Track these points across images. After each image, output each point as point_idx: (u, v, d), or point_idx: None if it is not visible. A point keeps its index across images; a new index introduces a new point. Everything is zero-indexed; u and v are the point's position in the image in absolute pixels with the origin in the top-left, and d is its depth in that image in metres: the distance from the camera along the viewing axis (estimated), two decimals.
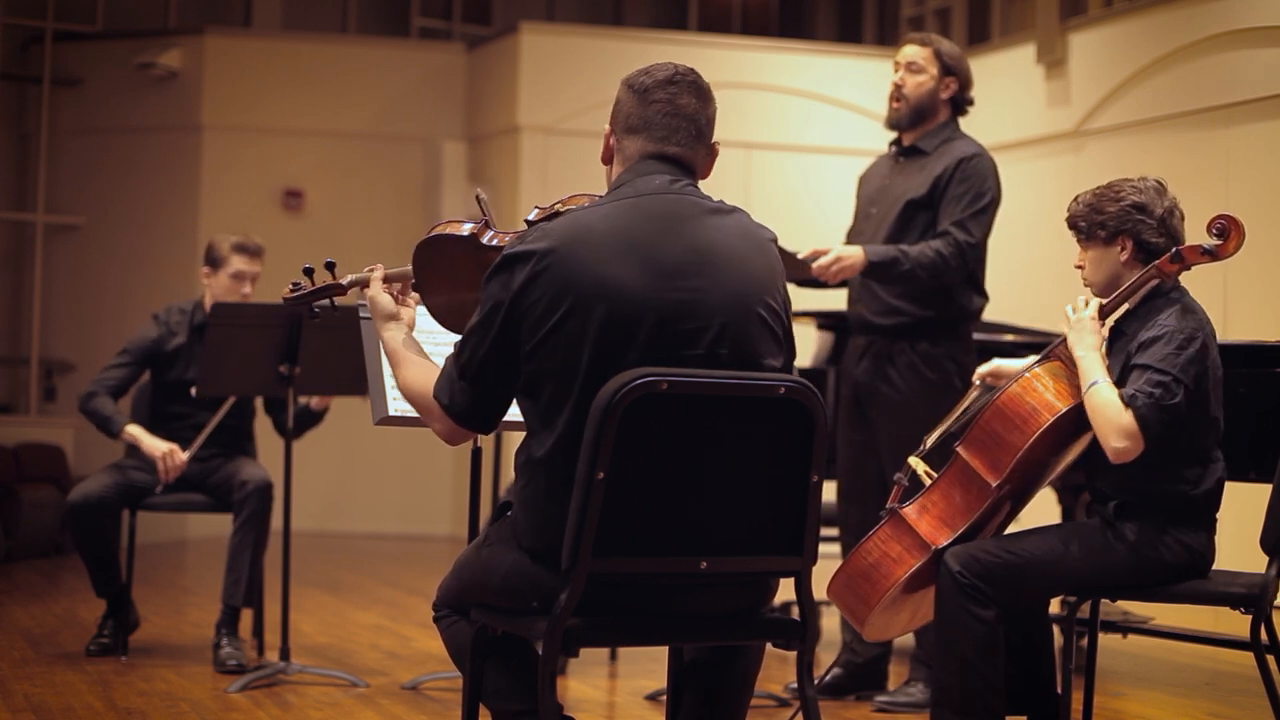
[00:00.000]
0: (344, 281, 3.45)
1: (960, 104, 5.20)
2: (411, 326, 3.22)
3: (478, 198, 3.36)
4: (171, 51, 11.02)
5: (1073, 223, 3.86)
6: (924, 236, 5.04)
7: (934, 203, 5.04)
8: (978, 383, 4.06)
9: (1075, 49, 9.62)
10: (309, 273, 3.50)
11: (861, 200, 5.32)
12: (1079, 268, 3.87)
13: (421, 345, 3.19)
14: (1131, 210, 3.76)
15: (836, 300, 5.62)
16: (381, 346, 3.25)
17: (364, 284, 3.32)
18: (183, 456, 5.59)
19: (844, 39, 12.22)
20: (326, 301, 3.52)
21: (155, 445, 5.60)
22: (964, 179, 5.03)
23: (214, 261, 5.79)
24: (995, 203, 5.09)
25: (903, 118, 5.16)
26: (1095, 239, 3.80)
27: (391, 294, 3.26)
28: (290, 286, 3.51)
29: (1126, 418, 3.56)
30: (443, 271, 3.18)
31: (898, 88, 5.15)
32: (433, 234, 3.20)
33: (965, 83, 5.18)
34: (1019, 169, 10.13)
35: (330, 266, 3.47)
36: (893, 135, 5.27)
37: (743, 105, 10.28)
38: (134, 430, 5.65)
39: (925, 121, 5.16)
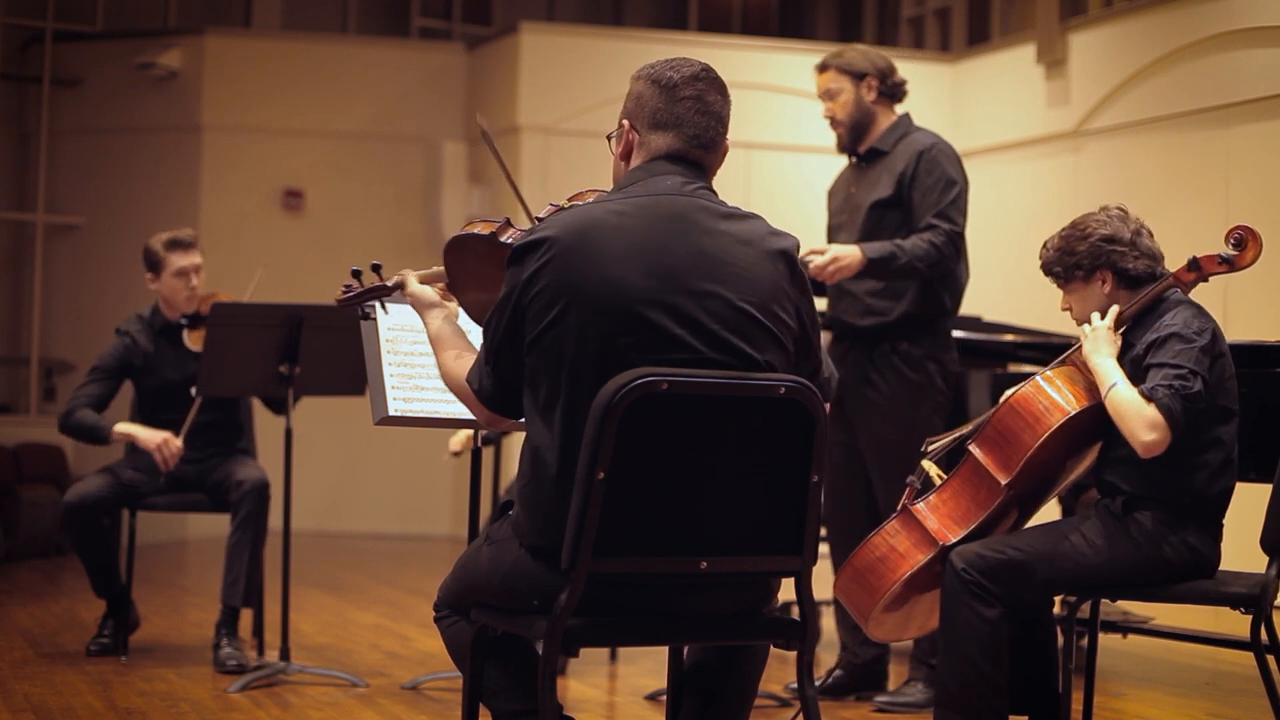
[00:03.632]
0: (389, 283, 3.49)
1: (893, 94, 5.20)
2: (455, 316, 3.28)
3: (482, 131, 3.42)
4: (171, 51, 11.02)
5: (1048, 269, 3.89)
6: (896, 234, 5.05)
7: (902, 200, 5.06)
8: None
9: (1075, 49, 9.62)
10: (357, 275, 3.54)
11: (831, 212, 5.35)
12: (1066, 310, 3.90)
13: (465, 333, 3.22)
14: (1102, 243, 3.79)
15: None
16: (426, 334, 3.30)
17: (405, 283, 3.36)
18: (178, 443, 5.57)
19: (844, 39, 12.21)
20: (376, 303, 3.56)
21: (150, 436, 5.58)
22: (929, 171, 5.05)
23: (154, 266, 5.78)
24: (966, 188, 5.10)
25: (847, 139, 5.22)
26: (1074, 279, 3.85)
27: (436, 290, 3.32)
28: (343, 289, 3.56)
29: (1150, 410, 3.57)
30: (470, 270, 3.23)
31: (830, 118, 5.21)
32: (459, 234, 3.24)
33: (883, 74, 5.19)
34: (1019, 169, 10.14)
35: (376, 269, 3.50)
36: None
37: (743, 105, 10.18)
38: (124, 427, 5.63)
39: (869, 130, 5.19)
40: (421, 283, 3.37)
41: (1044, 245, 3.90)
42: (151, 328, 5.82)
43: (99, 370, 5.78)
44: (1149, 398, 3.59)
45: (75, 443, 10.15)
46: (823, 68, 5.23)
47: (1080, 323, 3.86)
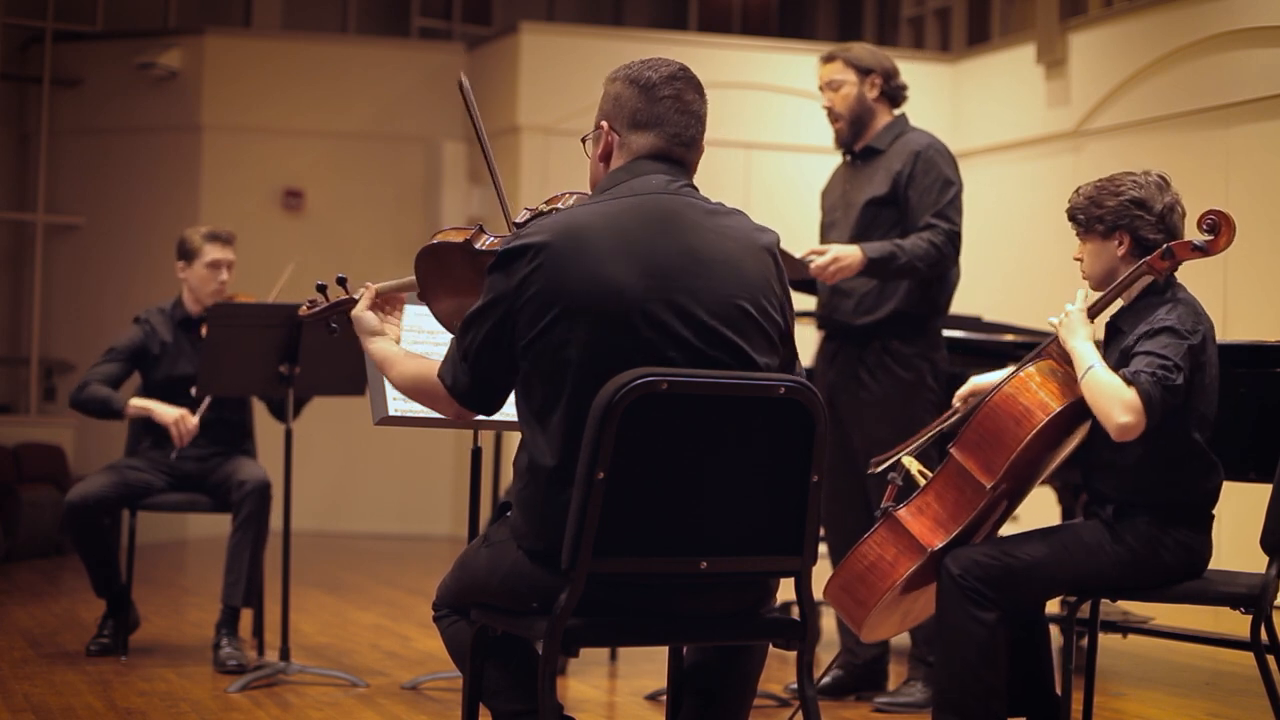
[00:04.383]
0: (356, 295, 3.49)
1: (894, 95, 5.22)
2: (397, 342, 3.28)
3: (460, 85, 3.43)
4: (171, 51, 11.02)
5: (1072, 215, 3.85)
6: (890, 233, 5.05)
7: (897, 199, 5.06)
8: (958, 404, 4.02)
9: (1075, 49, 9.63)
10: (323, 289, 3.54)
11: (824, 210, 5.36)
12: (1077, 260, 3.87)
13: (414, 352, 3.24)
14: (1130, 205, 3.75)
15: None
16: (369, 358, 3.30)
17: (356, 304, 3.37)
18: (194, 420, 5.59)
19: (844, 39, 12.20)
20: (344, 315, 3.58)
21: (166, 411, 5.60)
22: (927, 171, 5.06)
23: (187, 254, 5.80)
24: (961, 188, 5.11)
25: (846, 134, 5.22)
26: (1094, 232, 3.80)
27: (378, 312, 3.32)
28: (307, 304, 3.57)
29: (1129, 393, 3.55)
30: (443, 277, 3.22)
31: (829, 109, 5.21)
32: (432, 243, 3.24)
33: (888, 74, 5.20)
34: (1019, 169, 10.14)
35: (341, 282, 3.51)
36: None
37: (743, 105, 10.27)
38: (140, 401, 5.65)
39: (868, 126, 5.20)
40: (389, 293, 3.36)
41: (1076, 190, 3.86)
42: (171, 319, 5.84)
43: (115, 351, 5.80)
44: (1130, 381, 3.57)
45: (75, 442, 10.25)
46: (829, 58, 5.24)
47: (1086, 276, 3.85)
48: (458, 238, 3.19)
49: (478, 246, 3.15)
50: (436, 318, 3.31)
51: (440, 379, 2.99)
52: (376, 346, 3.25)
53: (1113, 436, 3.58)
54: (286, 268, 6.02)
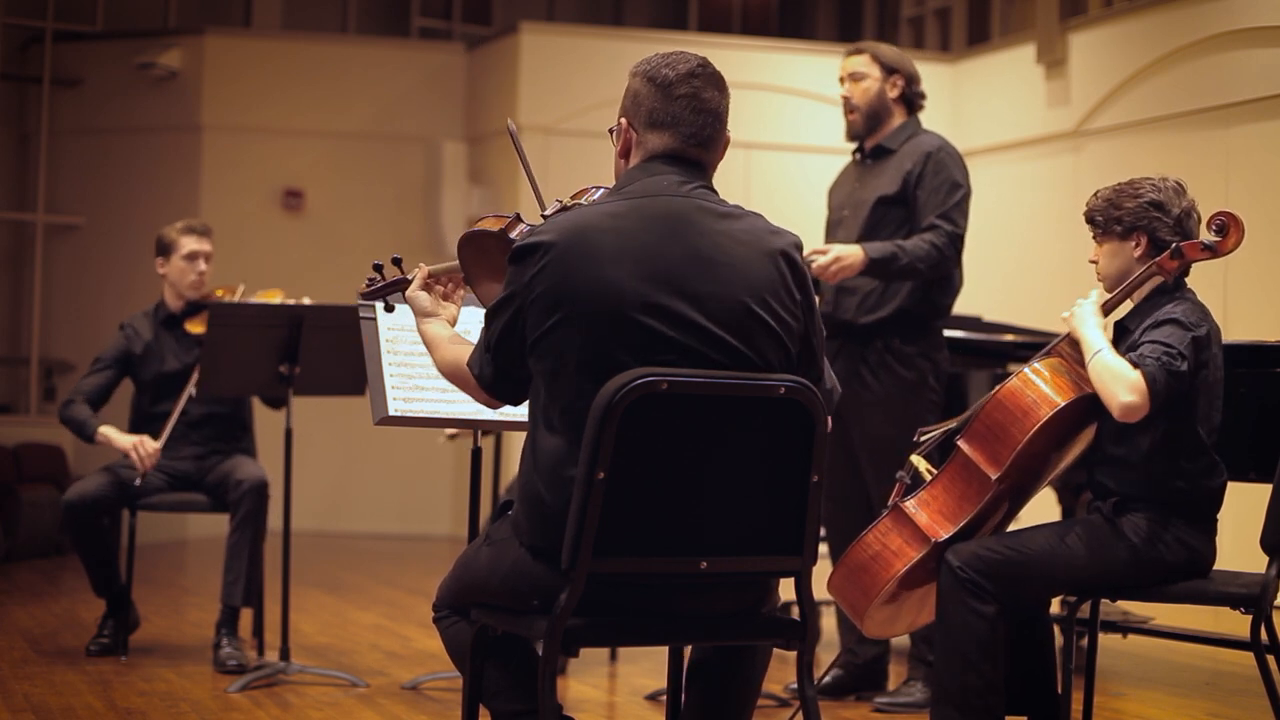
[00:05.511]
0: (410, 275, 3.51)
1: (912, 100, 5.25)
2: (453, 323, 3.30)
3: (510, 130, 3.47)
4: (171, 51, 11.02)
5: (1090, 217, 3.89)
6: (898, 232, 5.06)
7: (906, 198, 5.08)
8: None
9: (1075, 49, 9.63)
10: (379, 269, 3.57)
11: (832, 207, 5.37)
12: (1093, 262, 3.90)
13: (461, 336, 3.24)
14: (1149, 207, 3.79)
15: None
16: (421, 338, 3.33)
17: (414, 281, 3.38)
18: (153, 444, 5.58)
19: (844, 39, 12.21)
20: (399, 295, 3.59)
21: (124, 440, 5.60)
22: (936, 172, 5.08)
23: (165, 249, 5.84)
24: (969, 192, 5.13)
25: (859, 126, 5.24)
26: (1111, 234, 3.84)
27: (437, 292, 3.33)
28: (366, 282, 3.58)
29: (1135, 374, 3.59)
30: (483, 264, 3.26)
31: (847, 100, 5.25)
32: (471, 230, 3.26)
33: (911, 78, 5.24)
34: (1019, 169, 10.13)
35: (397, 262, 3.53)
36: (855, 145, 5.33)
37: (743, 105, 10.19)
38: (106, 431, 5.64)
39: (882, 124, 5.22)
40: (443, 274, 3.38)
41: (1095, 193, 3.91)
42: (154, 319, 5.88)
43: (100, 361, 5.83)
44: (1135, 364, 3.61)
45: (75, 442, 10.23)
46: (857, 51, 5.28)
47: (1101, 278, 3.88)
48: (494, 226, 3.21)
49: (511, 236, 3.17)
50: (481, 303, 3.34)
51: (469, 367, 3.03)
52: (426, 328, 3.28)
53: (1116, 416, 3.60)
54: (237, 287, 5.99)
